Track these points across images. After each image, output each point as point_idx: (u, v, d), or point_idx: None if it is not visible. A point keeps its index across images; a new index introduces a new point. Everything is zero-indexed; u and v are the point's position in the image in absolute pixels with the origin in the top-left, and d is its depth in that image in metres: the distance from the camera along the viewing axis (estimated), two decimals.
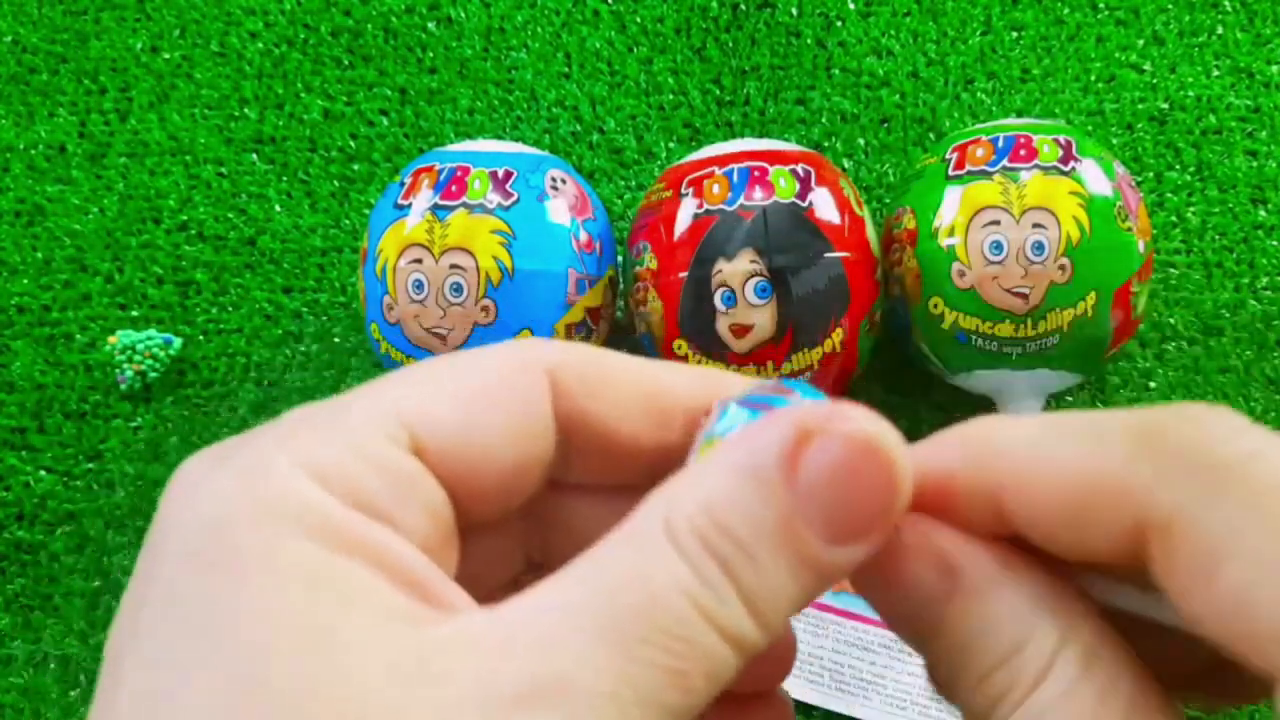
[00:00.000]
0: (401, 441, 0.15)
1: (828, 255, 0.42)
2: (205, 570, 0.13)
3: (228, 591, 0.13)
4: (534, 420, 0.16)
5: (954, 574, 0.15)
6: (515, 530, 0.19)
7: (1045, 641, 0.15)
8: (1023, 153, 0.42)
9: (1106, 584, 0.16)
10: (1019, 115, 0.54)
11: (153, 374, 0.51)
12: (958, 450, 0.16)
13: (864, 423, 0.15)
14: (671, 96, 0.56)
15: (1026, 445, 0.15)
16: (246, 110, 0.56)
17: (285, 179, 0.55)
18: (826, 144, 0.54)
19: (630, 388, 0.17)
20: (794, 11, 0.56)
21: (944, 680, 0.16)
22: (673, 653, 0.13)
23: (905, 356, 0.48)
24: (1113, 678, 0.14)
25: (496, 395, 0.16)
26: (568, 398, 0.17)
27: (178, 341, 0.51)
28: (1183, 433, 0.14)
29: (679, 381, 0.17)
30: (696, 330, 0.42)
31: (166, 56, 0.57)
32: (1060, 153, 0.42)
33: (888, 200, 0.53)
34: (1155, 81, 0.54)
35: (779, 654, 0.19)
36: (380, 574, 0.13)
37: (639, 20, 0.57)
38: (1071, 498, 0.15)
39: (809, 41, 0.56)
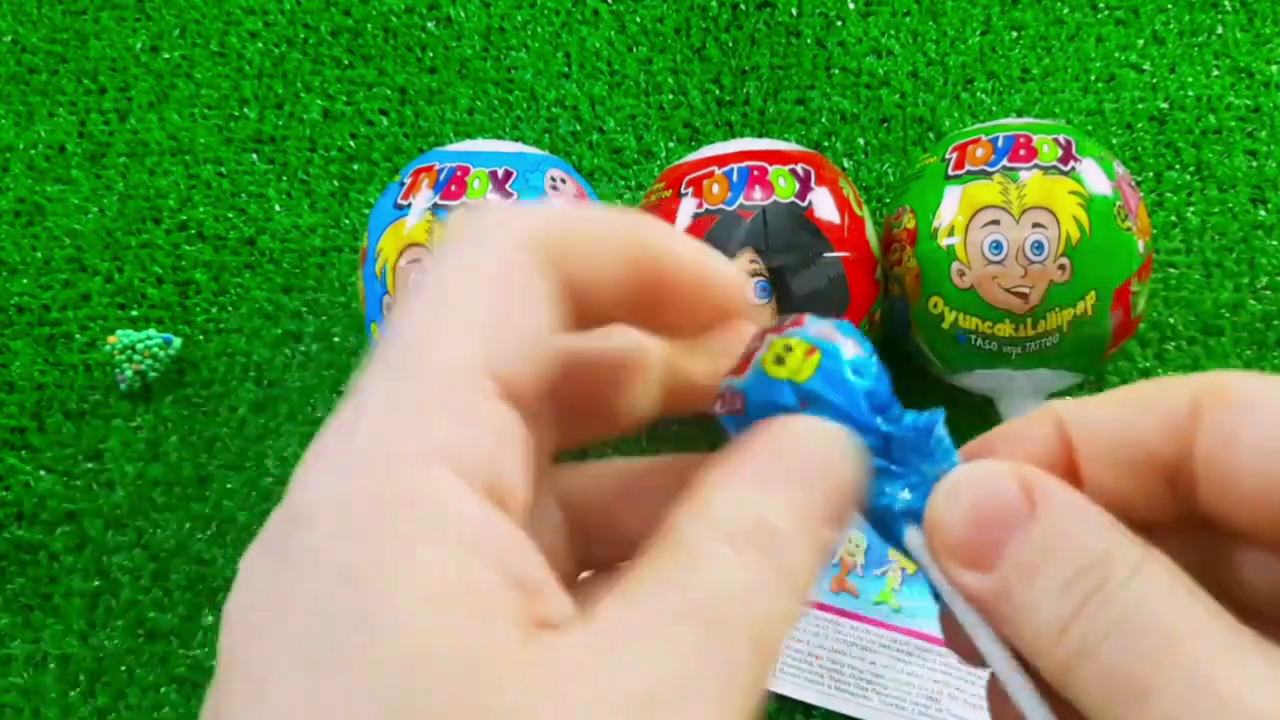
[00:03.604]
0: (496, 393, 0.16)
1: (827, 255, 0.42)
2: (354, 578, 0.13)
3: (377, 605, 0.13)
4: (555, 313, 0.17)
5: (1034, 493, 0.17)
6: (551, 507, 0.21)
7: (1130, 550, 0.16)
8: (1022, 152, 0.42)
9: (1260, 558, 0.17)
10: (1019, 115, 0.54)
11: (153, 374, 0.51)
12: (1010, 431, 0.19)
13: (825, 424, 0.18)
14: (671, 96, 0.56)
15: (1075, 402, 0.18)
16: (246, 110, 0.56)
17: (285, 179, 0.55)
18: (826, 144, 0.54)
19: (591, 256, 0.18)
20: (794, 11, 0.56)
21: (1009, 605, 0.17)
22: (752, 643, 0.15)
23: (905, 356, 0.48)
24: (1194, 586, 0.16)
25: (529, 309, 0.16)
26: (560, 269, 0.17)
27: (178, 341, 0.51)
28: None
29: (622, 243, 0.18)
30: None
31: (166, 56, 0.57)
32: (1060, 152, 0.42)
33: (888, 200, 0.53)
34: (1155, 81, 0.54)
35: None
36: (509, 585, 0.14)
37: (639, 20, 0.57)
38: (1130, 395, 0.17)
39: (809, 41, 0.56)
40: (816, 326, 0.19)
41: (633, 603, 0.15)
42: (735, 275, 0.20)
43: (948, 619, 0.19)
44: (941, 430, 0.18)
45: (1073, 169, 0.42)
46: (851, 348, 0.18)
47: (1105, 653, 0.15)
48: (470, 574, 0.14)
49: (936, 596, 0.18)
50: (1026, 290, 0.41)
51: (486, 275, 0.16)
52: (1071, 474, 0.18)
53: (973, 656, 0.18)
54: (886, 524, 0.18)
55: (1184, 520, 0.17)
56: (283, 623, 0.13)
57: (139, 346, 0.51)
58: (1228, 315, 0.51)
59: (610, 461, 0.21)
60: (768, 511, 0.16)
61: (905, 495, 0.18)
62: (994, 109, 0.55)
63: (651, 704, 0.14)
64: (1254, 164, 0.53)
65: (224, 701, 0.13)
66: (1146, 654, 0.15)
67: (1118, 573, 0.16)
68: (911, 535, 0.18)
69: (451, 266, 0.16)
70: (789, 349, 0.18)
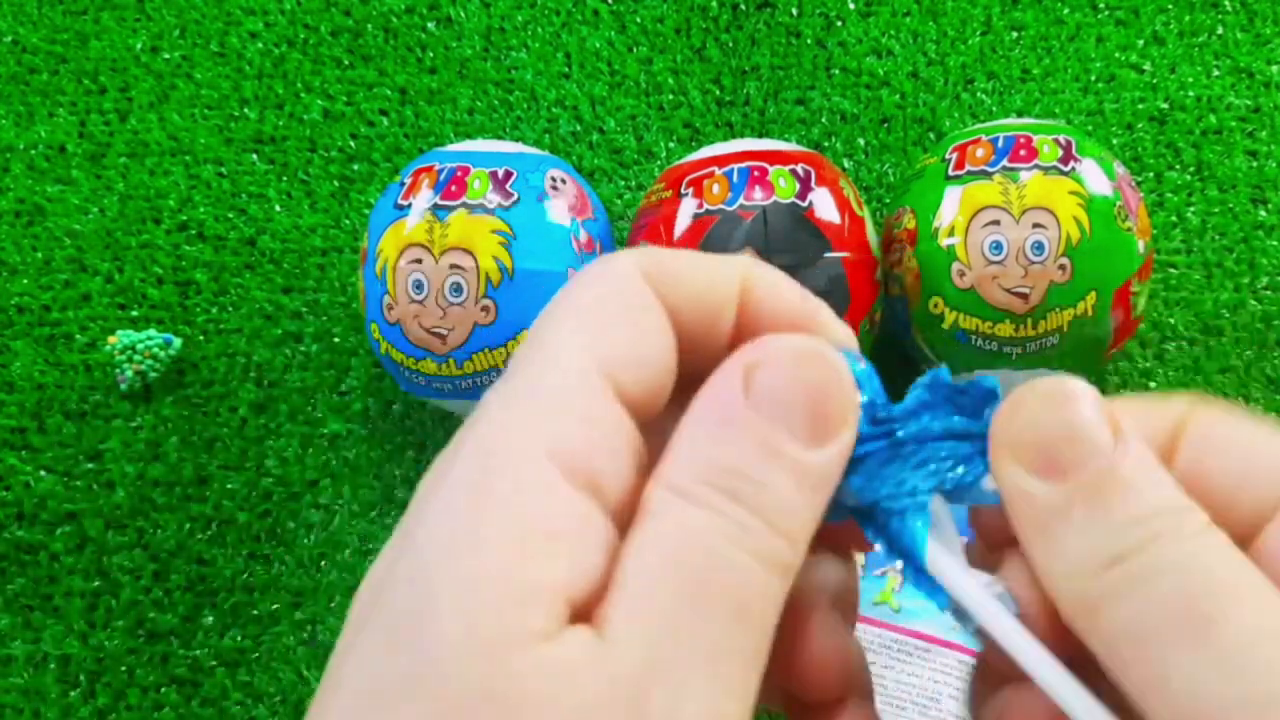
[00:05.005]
0: (607, 393, 0.16)
1: (828, 255, 0.42)
2: (425, 574, 0.15)
3: (430, 595, 0.15)
4: (668, 331, 0.18)
5: (1121, 431, 0.17)
6: None
7: (1200, 513, 0.16)
8: (1023, 153, 0.42)
9: None
10: (1019, 115, 0.54)
11: (153, 374, 0.51)
12: None
13: (797, 338, 0.17)
14: (671, 96, 0.56)
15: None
16: (246, 110, 0.56)
17: (285, 179, 0.55)
18: (826, 144, 0.54)
19: (696, 281, 0.18)
20: (794, 11, 0.56)
21: (1063, 522, 0.16)
22: (729, 593, 0.15)
23: (905, 356, 0.48)
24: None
25: (640, 322, 0.17)
26: (670, 297, 0.18)
27: (178, 341, 0.51)
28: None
29: (731, 275, 0.18)
30: None
31: (166, 56, 0.57)
32: (1060, 153, 0.42)
33: (888, 200, 0.53)
34: (1155, 81, 0.54)
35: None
36: (560, 574, 0.15)
37: (639, 20, 0.57)
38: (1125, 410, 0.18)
39: (809, 41, 0.56)
40: None
41: (618, 588, 0.15)
42: (840, 327, 0.19)
43: None
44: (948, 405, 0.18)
45: (1073, 169, 0.42)
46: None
47: (1163, 583, 0.15)
48: (519, 564, 0.15)
49: (932, 593, 0.17)
50: (1027, 290, 0.41)
51: (601, 296, 0.17)
52: None
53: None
54: (895, 530, 0.17)
55: None
56: (378, 592, 0.15)
57: (139, 347, 0.51)
58: (1228, 315, 0.51)
59: None
60: (723, 453, 0.16)
61: (920, 483, 0.17)
62: (994, 109, 0.55)
63: (635, 697, 0.14)
64: (1254, 164, 0.53)
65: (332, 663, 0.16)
66: (1208, 592, 0.15)
67: (1190, 524, 0.16)
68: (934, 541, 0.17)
69: (572, 292, 0.17)
70: None
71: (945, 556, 0.17)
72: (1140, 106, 0.54)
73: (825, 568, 0.20)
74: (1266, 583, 0.15)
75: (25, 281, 0.54)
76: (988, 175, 0.42)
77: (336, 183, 0.55)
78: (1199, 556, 0.15)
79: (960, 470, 0.18)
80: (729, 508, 0.15)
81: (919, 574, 0.17)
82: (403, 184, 0.44)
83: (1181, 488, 0.16)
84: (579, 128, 0.55)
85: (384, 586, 0.15)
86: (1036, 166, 0.42)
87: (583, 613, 0.15)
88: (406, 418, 0.51)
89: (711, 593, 0.15)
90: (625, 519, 0.16)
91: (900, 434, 0.17)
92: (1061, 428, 0.16)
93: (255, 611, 0.49)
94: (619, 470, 0.16)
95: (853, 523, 0.18)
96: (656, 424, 0.18)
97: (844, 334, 0.19)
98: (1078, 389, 0.17)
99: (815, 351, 0.17)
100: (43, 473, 0.51)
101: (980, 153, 0.43)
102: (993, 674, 0.19)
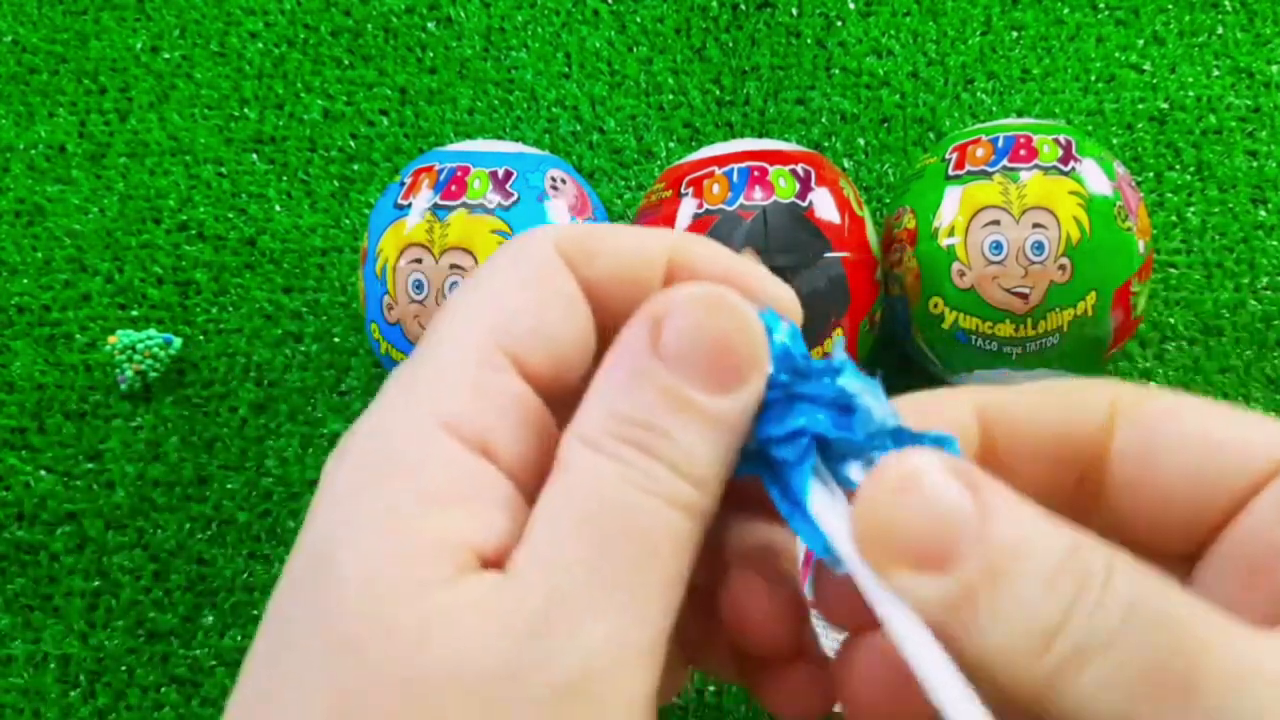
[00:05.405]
0: (503, 365, 0.17)
1: (828, 255, 0.42)
2: (330, 537, 0.16)
3: (332, 559, 0.16)
4: (580, 305, 0.18)
5: (980, 491, 0.15)
6: None
7: (1094, 542, 0.15)
8: (1023, 153, 0.42)
9: None
10: (1019, 115, 0.54)
11: (153, 374, 0.51)
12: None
13: (703, 287, 0.17)
14: (671, 96, 0.56)
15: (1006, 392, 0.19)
16: (246, 110, 0.56)
17: (285, 179, 0.55)
18: (826, 144, 0.54)
19: (618, 255, 0.18)
20: (794, 11, 0.56)
21: (973, 613, 0.14)
22: (635, 534, 0.15)
23: (905, 356, 0.48)
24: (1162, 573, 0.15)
25: (543, 295, 0.18)
26: (578, 272, 0.18)
27: (178, 341, 0.51)
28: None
29: (656, 248, 0.19)
30: None
31: (166, 56, 0.57)
32: (1060, 153, 0.42)
33: (888, 200, 0.53)
34: (1155, 81, 0.54)
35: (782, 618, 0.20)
36: (455, 528, 0.15)
37: (639, 20, 0.57)
38: (1048, 388, 0.18)
39: (809, 41, 0.56)
40: None
41: (527, 535, 0.16)
42: (776, 286, 0.19)
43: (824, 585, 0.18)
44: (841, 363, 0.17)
45: (1073, 169, 0.42)
46: None
47: (1119, 652, 0.13)
48: (417, 522, 0.15)
49: (811, 539, 0.16)
50: (1027, 290, 0.41)
51: (508, 275, 0.18)
52: (986, 463, 0.18)
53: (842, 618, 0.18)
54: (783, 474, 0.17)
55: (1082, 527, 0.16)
56: (292, 557, 0.17)
57: (139, 346, 0.51)
58: (1228, 315, 0.51)
59: None
60: (629, 403, 0.16)
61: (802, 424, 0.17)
62: (994, 109, 0.55)
63: (537, 627, 0.14)
64: (1254, 164, 0.53)
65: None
66: (1174, 646, 0.13)
67: (1097, 565, 0.14)
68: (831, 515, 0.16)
69: (480, 273, 0.18)
70: None
71: (826, 499, 0.17)
72: (1140, 106, 0.54)
73: (774, 532, 0.20)
74: (1204, 605, 0.14)
75: (25, 281, 0.54)
76: (988, 175, 0.42)
77: (336, 183, 0.55)
78: (1137, 608, 0.14)
79: (837, 432, 0.17)
80: (635, 456, 0.16)
81: (803, 519, 0.17)
82: (403, 184, 0.44)
83: (1041, 512, 0.15)
84: (579, 128, 0.55)
85: (288, 569, 0.16)
86: (1036, 166, 0.42)
87: (493, 565, 0.15)
88: None
89: (615, 531, 0.15)
90: (526, 485, 0.16)
91: (799, 388, 0.17)
92: (928, 516, 0.15)
93: (255, 611, 0.49)
94: (514, 437, 0.16)
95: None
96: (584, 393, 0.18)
97: (779, 293, 0.19)
98: (922, 464, 0.15)
99: (720, 298, 0.17)
100: (43, 473, 0.51)
101: (980, 153, 0.43)
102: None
